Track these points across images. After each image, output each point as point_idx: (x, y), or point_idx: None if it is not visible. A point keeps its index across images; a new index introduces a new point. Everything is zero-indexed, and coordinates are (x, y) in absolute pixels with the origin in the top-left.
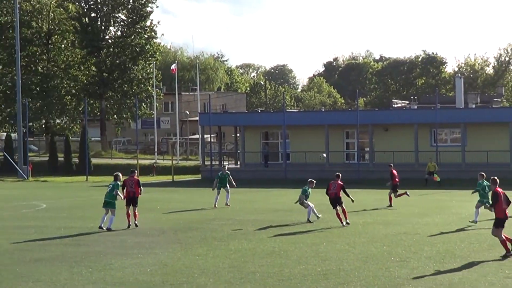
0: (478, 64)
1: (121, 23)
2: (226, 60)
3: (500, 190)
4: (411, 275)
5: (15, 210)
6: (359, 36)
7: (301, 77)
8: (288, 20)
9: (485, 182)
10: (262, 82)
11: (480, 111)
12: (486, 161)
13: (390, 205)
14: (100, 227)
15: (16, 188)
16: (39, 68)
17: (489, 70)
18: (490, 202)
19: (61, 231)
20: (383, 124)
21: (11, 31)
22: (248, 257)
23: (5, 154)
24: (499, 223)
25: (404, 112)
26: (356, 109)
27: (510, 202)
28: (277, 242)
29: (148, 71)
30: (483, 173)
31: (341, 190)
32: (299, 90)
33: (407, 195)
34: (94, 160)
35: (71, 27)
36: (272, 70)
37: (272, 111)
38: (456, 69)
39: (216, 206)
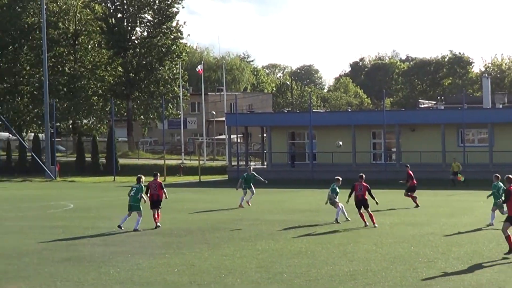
0: (505, 64)
1: (147, 23)
2: (252, 61)
3: None
4: (438, 276)
5: (43, 210)
6: (385, 36)
7: (327, 77)
8: (314, 20)
9: (500, 184)
10: (288, 83)
11: (507, 111)
12: None
13: (417, 205)
14: (119, 226)
15: (44, 188)
16: (66, 68)
17: None
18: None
19: (89, 231)
20: (410, 124)
21: (38, 32)
22: (275, 257)
23: (33, 154)
24: (510, 220)
25: (431, 112)
26: (383, 109)
27: None
28: (304, 243)
29: (175, 71)
30: (498, 175)
31: (367, 192)
32: (325, 90)
33: (416, 205)
34: (121, 161)
35: (98, 28)
36: (298, 71)
37: (298, 111)
38: (483, 69)
39: (242, 206)
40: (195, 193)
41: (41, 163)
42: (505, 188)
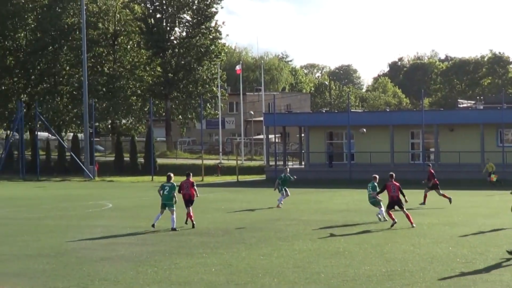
0: None
1: (186, 24)
2: (290, 60)
3: None
4: (476, 277)
5: (82, 209)
6: (424, 36)
7: (366, 77)
8: (353, 20)
9: None
10: (326, 82)
11: None
12: None
13: (424, 203)
14: (153, 226)
15: (83, 187)
16: (105, 69)
17: None
18: None
19: (127, 230)
20: (449, 124)
21: (78, 32)
22: (312, 257)
23: (72, 154)
24: None
25: (469, 112)
26: (421, 109)
27: None
28: (342, 243)
29: (213, 71)
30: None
31: (399, 191)
32: (363, 90)
33: (450, 201)
34: (160, 160)
35: (137, 28)
36: (336, 70)
37: (336, 111)
38: None
39: (281, 206)
40: (232, 193)
41: (80, 163)
42: None
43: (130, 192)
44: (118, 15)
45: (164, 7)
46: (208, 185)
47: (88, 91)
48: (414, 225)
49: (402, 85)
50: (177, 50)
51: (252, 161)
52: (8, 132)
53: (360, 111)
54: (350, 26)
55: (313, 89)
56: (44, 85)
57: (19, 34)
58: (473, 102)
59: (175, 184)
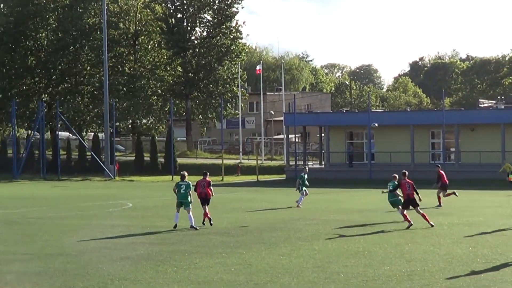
0: None
1: (207, 23)
2: (311, 60)
3: None
4: (497, 277)
5: (102, 209)
6: (446, 35)
7: (386, 77)
8: (374, 19)
9: None
10: (347, 82)
11: None
12: None
13: (440, 205)
14: (175, 227)
15: (103, 187)
16: (126, 68)
17: None
18: None
19: (147, 230)
20: (469, 124)
21: (99, 33)
22: (332, 257)
23: (93, 153)
24: None
25: (490, 112)
26: (442, 109)
27: None
28: (362, 243)
29: (233, 71)
30: None
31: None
32: (384, 90)
33: (455, 195)
34: (180, 160)
35: (158, 28)
36: (357, 70)
37: (357, 111)
38: None
39: (300, 206)
40: (252, 193)
41: (100, 162)
42: None
43: (150, 192)
44: (139, 15)
45: (185, 7)
46: (228, 185)
47: (109, 91)
48: (432, 223)
49: (423, 85)
50: (197, 50)
51: (272, 161)
52: (29, 132)
53: (380, 110)
54: (371, 26)
55: (333, 89)
56: (65, 85)
57: (40, 34)
58: (494, 102)
59: (191, 183)
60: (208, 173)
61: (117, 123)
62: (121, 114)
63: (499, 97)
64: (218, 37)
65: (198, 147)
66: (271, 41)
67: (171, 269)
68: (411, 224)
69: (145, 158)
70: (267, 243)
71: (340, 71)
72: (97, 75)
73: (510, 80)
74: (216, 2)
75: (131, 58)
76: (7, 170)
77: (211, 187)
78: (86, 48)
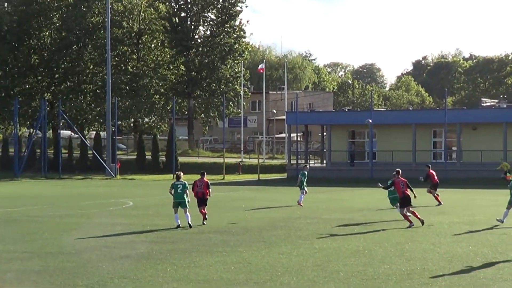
0: None
1: (211, 22)
2: (314, 59)
3: None
4: (497, 276)
5: (103, 207)
6: (449, 34)
7: (389, 76)
8: (377, 19)
9: None
10: (349, 81)
11: None
12: None
13: (439, 203)
14: (179, 226)
15: (104, 186)
16: (129, 67)
17: None
18: None
19: (147, 228)
20: (472, 123)
21: (102, 31)
22: (332, 256)
23: (94, 152)
24: None
25: (493, 111)
26: (444, 108)
27: None
28: (362, 241)
29: (236, 70)
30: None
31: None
32: (387, 89)
33: (440, 202)
34: (181, 159)
35: (161, 27)
36: (360, 69)
37: (359, 110)
38: None
39: (302, 204)
40: (253, 192)
41: (102, 161)
42: None
43: (151, 191)
44: (143, 14)
45: (189, 6)
46: (229, 184)
47: (112, 89)
48: (422, 219)
49: (426, 84)
50: (201, 49)
51: (274, 159)
52: (31, 130)
53: (382, 109)
54: (374, 25)
55: (336, 87)
56: (68, 84)
57: (44, 33)
58: (497, 101)
59: (187, 183)
60: (205, 173)
61: (119, 122)
62: (123, 113)
63: (501, 96)
64: (221, 36)
65: (200, 146)
66: (275, 40)
67: (171, 268)
68: (412, 224)
69: (147, 157)
70: (267, 242)
71: (343, 70)
72: (100, 74)
73: None
74: (220, 1)
75: (134, 57)
76: (9, 168)
77: (210, 189)
78: (90, 47)
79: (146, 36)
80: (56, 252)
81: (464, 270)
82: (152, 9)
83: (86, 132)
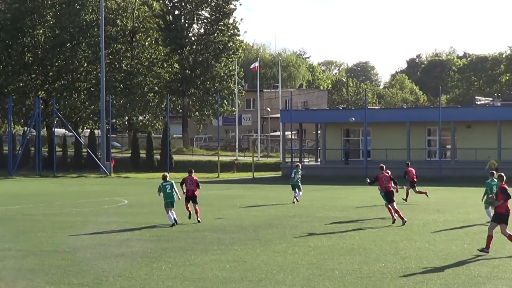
0: None
1: (205, 20)
2: (308, 57)
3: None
4: (491, 274)
5: (98, 205)
6: (443, 33)
7: (383, 74)
8: (371, 17)
9: (494, 182)
10: (344, 79)
11: None
12: None
13: (405, 200)
14: (174, 224)
15: (99, 184)
16: (123, 65)
17: None
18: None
19: (142, 226)
20: (466, 121)
21: (96, 29)
22: (327, 254)
23: (89, 150)
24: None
25: (487, 109)
26: (439, 106)
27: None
28: (357, 240)
29: (231, 68)
30: (493, 171)
31: (391, 182)
32: (381, 87)
33: (427, 195)
34: (176, 157)
35: (155, 25)
36: (354, 67)
37: (353, 108)
38: None
39: (296, 202)
40: (248, 190)
41: (96, 159)
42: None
43: (146, 189)
44: (137, 12)
45: (183, 4)
46: (224, 182)
47: (106, 87)
48: (395, 217)
49: (420, 82)
50: (194, 47)
51: (268, 157)
52: (25, 128)
53: (377, 107)
54: (368, 23)
55: (330, 86)
56: (62, 82)
57: (37, 31)
58: (491, 99)
59: (173, 182)
60: (193, 170)
61: (113, 120)
62: (118, 111)
63: (495, 94)
64: (215, 34)
65: (194, 144)
66: (269, 38)
67: (166, 266)
68: (406, 221)
69: (141, 155)
70: (262, 240)
71: (337, 68)
72: (94, 72)
73: (507, 78)
74: None
75: (128, 55)
76: (3, 166)
77: (199, 185)
78: (83, 44)
79: (140, 34)
80: (51, 250)
81: (459, 268)
82: (146, 7)
83: (80, 130)
